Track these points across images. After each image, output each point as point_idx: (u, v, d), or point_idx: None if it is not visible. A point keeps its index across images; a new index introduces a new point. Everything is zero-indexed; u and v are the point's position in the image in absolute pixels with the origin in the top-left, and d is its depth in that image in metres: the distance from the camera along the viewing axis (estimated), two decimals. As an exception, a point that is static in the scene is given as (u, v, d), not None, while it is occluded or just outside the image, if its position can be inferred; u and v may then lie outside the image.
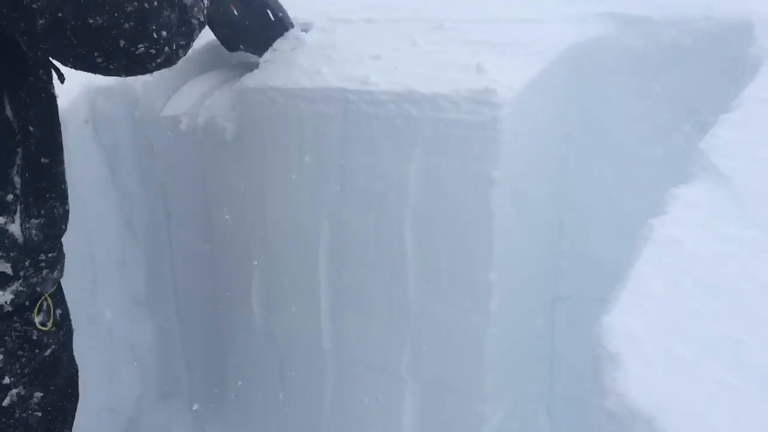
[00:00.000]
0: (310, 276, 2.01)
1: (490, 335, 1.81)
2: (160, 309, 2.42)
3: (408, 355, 1.93)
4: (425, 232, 1.81)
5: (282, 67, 1.98)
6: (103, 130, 2.19)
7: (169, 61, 1.33)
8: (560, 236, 2.08)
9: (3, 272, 1.25)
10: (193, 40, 1.38)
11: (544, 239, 2.01)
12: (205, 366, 2.41)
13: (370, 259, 1.90)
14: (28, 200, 1.27)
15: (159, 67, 1.32)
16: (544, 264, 2.05)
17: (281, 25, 2.05)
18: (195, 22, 1.37)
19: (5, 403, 1.30)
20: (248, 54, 2.18)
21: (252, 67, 2.06)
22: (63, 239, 1.39)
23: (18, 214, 1.26)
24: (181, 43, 1.33)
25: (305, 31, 2.10)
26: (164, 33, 1.25)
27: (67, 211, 1.38)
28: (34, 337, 1.33)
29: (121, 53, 1.23)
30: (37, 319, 1.33)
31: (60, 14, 1.13)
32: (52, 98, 1.31)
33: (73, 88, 2.10)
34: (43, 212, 1.30)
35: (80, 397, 1.54)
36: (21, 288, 1.28)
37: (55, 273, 1.36)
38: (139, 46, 1.23)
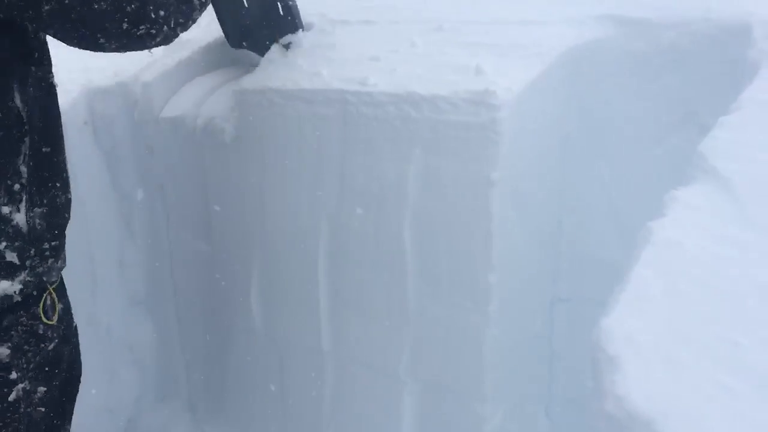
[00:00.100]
0: (309, 277, 2.01)
1: (490, 336, 1.81)
2: (159, 309, 2.42)
3: (407, 356, 1.93)
4: (424, 233, 1.82)
5: (281, 69, 1.98)
6: (102, 131, 2.19)
7: (167, 39, 1.33)
8: (559, 238, 2.08)
9: (10, 262, 1.27)
10: (194, 20, 1.38)
11: (543, 240, 2.01)
12: (205, 366, 2.41)
13: (370, 260, 1.90)
14: (32, 189, 1.28)
15: (157, 45, 1.33)
16: (544, 265, 2.06)
17: (290, 23, 2.05)
18: (196, 1, 1.38)
19: (11, 398, 1.31)
20: (248, 54, 2.18)
21: (252, 68, 2.06)
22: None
23: (23, 204, 1.27)
24: (180, 21, 1.33)
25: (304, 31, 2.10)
26: (162, 12, 1.27)
27: (69, 200, 1.39)
28: (40, 331, 1.34)
29: (124, 34, 1.25)
30: (43, 314, 1.34)
31: (66, 0, 1.16)
32: (52, 87, 1.34)
33: (73, 89, 2.10)
34: (45, 201, 1.31)
35: (78, 398, 1.54)
36: (28, 278, 1.30)
37: (59, 262, 1.38)
38: (140, 27, 1.25)
